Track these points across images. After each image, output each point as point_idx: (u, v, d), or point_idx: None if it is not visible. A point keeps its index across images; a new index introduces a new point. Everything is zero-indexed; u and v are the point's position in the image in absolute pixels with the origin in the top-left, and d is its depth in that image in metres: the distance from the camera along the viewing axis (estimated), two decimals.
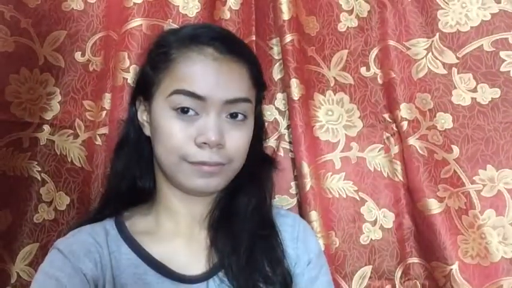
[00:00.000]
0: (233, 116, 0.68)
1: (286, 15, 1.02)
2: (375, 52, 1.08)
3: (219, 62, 0.67)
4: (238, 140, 0.69)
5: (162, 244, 0.72)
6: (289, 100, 1.01)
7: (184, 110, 0.66)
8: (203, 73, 0.66)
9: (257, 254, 0.72)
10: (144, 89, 0.72)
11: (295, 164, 1.00)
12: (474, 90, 1.03)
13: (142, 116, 0.74)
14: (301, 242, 0.78)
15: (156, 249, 0.71)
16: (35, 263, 0.99)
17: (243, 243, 0.72)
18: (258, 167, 0.77)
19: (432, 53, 1.05)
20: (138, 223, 0.75)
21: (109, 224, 0.74)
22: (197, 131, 0.66)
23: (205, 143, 0.66)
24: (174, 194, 0.73)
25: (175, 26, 1.00)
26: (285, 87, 1.04)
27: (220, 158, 0.67)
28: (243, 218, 0.74)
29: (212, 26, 0.76)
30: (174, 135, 0.66)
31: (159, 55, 0.70)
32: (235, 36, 0.77)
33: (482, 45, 1.04)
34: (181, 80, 0.66)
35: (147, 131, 0.73)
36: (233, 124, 0.69)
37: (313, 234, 0.84)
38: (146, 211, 0.76)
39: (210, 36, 0.68)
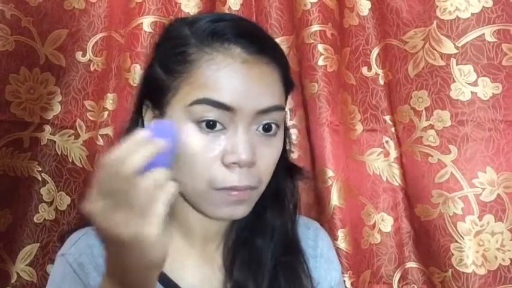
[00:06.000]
0: (266, 128, 0.58)
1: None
2: (376, 51, 1.03)
3: (248, 65, 0.57)
4: (269, 157, 0.60)
5: (171, 264, 0.60)
6: (303, 100, 1.00)
7: (210, 124, 0.56)
8: (231, 79, 0.56)
9: (280, 283, 0.65)
10: (153, 94, 0.61)
11: (314, 166, 0.99)
12: (475, 84, 0.95)
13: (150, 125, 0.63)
14: (324, 261, 0.72)
15: (164, 269, 0.62)
16: (35, 263, 0.99)
17: (263, 270, 0.64)
18: (282, 178, 0.68)
19: (429, 43, 0.96)
20: None
21: None
22: (225, 148, 0.56)
23: (234, 163, 0.56)
24: (192, 212, 0.63)
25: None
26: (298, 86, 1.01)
27: (250, 180, 0.57)
28: (264, 240, 0.66)
29: (235, 18, 0.63)
30: (199, 155, 0.56)
31: (174, 55, 0.59)
32: (263, 30, 0.67)
33: (483, 34, 0.94)
34: (204, 87, 0.56)
35: None
36: (264, 138, 0.59)
37: (334, 251, 0.77)
38: None
39: (236, 32, 0.58)
